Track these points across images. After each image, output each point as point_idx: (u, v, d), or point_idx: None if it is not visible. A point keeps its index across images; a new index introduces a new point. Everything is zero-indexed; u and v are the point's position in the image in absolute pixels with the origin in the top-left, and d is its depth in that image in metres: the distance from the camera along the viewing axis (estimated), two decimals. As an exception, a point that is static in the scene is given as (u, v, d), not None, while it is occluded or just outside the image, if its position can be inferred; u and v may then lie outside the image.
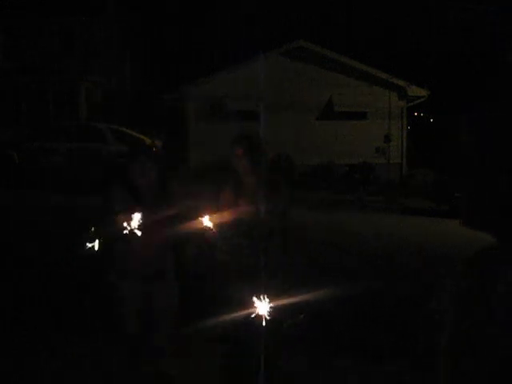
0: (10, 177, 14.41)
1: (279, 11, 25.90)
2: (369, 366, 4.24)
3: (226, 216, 3.51)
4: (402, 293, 5.89)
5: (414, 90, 19.54)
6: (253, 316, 2.56)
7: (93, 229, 3.27)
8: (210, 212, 3.43)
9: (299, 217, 4.41)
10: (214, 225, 3.37)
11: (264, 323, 2.55)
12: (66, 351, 4.42)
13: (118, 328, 3.63)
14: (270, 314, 2.54)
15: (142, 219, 3.24)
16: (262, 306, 2.55)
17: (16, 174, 14.84)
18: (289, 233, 3.71)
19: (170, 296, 3.60)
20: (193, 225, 3.35)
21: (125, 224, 3.22)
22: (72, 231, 8.32)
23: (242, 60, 19.46)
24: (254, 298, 2.57)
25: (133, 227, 3.22)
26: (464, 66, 24.13)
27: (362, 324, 4.99)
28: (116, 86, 24.52)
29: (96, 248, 3.23)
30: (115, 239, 3.39)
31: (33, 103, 22.06)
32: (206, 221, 3.35)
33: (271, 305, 2.55)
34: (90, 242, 3.23)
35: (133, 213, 3.25)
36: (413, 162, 20.40)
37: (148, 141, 15.02)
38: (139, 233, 3.23)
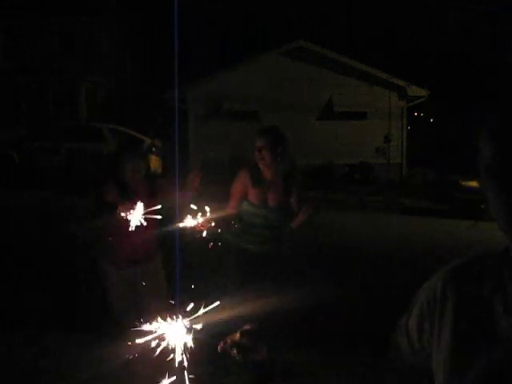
0: (10, 177, 14.41)
1: (279, 11, 25.90)
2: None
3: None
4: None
5: (414, 90, 19.54)
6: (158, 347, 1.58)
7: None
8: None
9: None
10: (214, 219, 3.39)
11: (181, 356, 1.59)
12: (64, 351, 4.42)
13: (109, 316, 3.72)
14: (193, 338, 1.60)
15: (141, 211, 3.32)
16: (176, 329, 1.59)
17: (16, 174, 14.84)
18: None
19: (158, 277, 3.76)
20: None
21: (123, 215, 3.29)
22: (70, 230, 8.32)
23: (242, 60, 19.48)
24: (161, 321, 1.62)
25: (135, 219, 3.29)
26: (464, 66, 24.13)
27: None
28: (116, 85, 24.52)
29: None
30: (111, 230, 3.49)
31: (33, 103, 22.06)
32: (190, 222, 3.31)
33: (189, 325, 1.60)
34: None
35: (132, 206, 3.32)
36: (413, 162, 20.41)
37: (148, 140, 15.04)
38: (144, 223, 3.29)
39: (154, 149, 14.47)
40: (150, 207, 3.50)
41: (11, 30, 22.50)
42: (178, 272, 2.80)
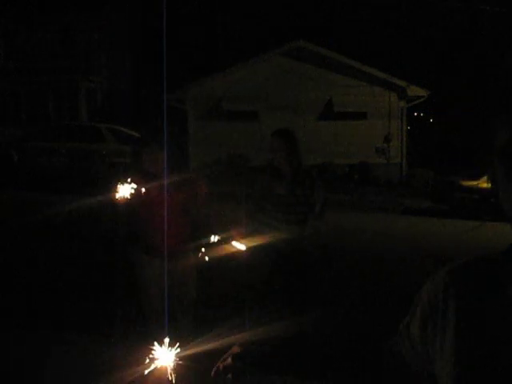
0: (9, 177, 14.41)
1: (279, 11, 25.90)
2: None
3: (258, 239, 3.85)
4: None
5: (414, 90, 19.53)
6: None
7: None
8: (240, 234, 3.73)
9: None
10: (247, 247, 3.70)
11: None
12: (64, 350, 4.42)
13: (142, 304, 3.79)
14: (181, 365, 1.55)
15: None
16: (166, 356, 1.55)
17: (16, 173, 14.84)
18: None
19: (190, 271, 3.85)
20: (225, 249, 3.64)
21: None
22: (71, 231, 8.32)
23: (242, 60, 19.47)
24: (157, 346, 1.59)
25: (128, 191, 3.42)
26: (464, 66, 24.12)
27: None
28: (116, 86, 24.52)
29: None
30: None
31: (33, 103, 22.06)
32: (238, 244, 3.66)
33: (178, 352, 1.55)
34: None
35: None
36: (413, 162, 20.41)
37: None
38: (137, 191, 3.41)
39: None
40: (173, 199, 3.63)
41: (11, 29, 22.50)
42: (167, 303, 2.82)
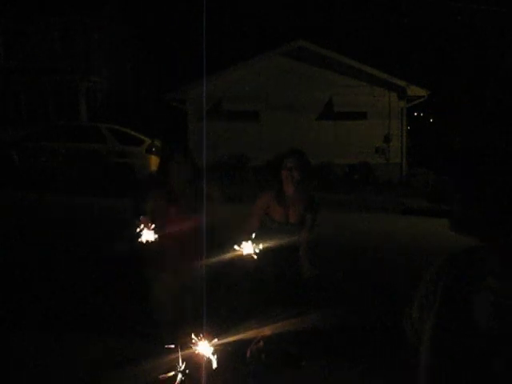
0: (9, 177, 14.41)
1: (279, 11, 25.90)
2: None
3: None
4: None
5: (414, 90, 19.53)
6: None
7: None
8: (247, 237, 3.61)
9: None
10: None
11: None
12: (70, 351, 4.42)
13: (156, 317, 3.83)
14: (220, 351, 1.82)
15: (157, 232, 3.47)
16: (204, 347, 1.80)
17: (16, 173, 14.83)
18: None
19: (200, 280, 3.84)
20: (235, 254, 3.54)
21: (141, 229, 3.45)
22: (71, 231, 8.33)
23: (242, 60, 19.47)
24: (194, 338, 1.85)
25: (147, 238, 3.44)
26: (464, 66, 24.13)
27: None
28: (116, 86, 24.52)
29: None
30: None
31: (33, 103, 22.06)
32: (247, 248, 3.51)
33: (215, 341, 1.78)
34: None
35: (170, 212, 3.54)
36: (413, 162, 20.41)
37: (148, 141, 15.04)
38: (155, 236, 3.44)
39: (153, 149, 14.47)
40: (194, 212, 3.66)
41: (11, 29, 22.49)
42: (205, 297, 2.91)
